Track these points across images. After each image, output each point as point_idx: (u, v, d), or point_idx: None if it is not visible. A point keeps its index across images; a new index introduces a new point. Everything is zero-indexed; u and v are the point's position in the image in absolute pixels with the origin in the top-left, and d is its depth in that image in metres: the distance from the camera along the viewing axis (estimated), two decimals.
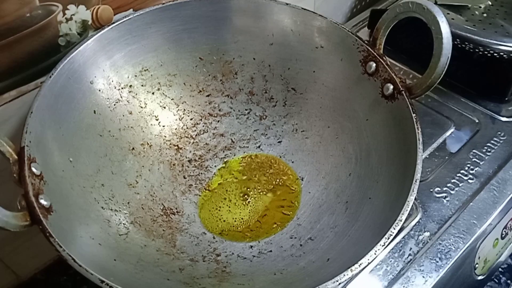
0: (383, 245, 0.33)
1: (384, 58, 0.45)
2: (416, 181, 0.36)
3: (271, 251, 0.43)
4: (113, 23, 0.46)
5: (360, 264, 0.32)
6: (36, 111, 0.39)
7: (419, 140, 0.39)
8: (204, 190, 0.50)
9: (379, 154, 0.44)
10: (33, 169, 0.35)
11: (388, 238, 0.33)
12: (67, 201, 0.38)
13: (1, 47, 0.43)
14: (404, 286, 0.44)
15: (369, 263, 0.32)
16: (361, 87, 0.47)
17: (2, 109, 0.46)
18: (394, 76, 0.43)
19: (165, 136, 0.51)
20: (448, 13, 0.66)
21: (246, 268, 0.41)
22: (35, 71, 0.46)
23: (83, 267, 0.31)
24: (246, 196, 0.49)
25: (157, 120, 0.51)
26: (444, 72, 0.40)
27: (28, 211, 0.33)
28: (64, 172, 0.40)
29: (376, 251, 0.33)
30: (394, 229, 0.34)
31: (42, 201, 0.34)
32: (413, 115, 0.41)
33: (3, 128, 0.45)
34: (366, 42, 0.46)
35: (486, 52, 0.57)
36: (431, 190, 0.52)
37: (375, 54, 0.45)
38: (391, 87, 0.44)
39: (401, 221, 0.34)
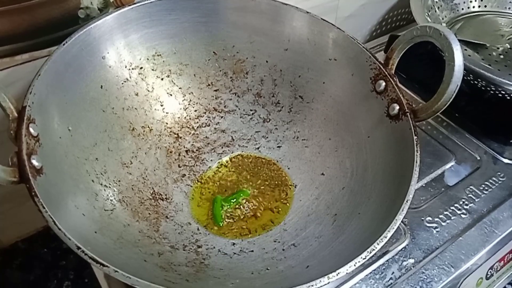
0: (364, 258, 0.32)
1: (394, 78, 0.45)
2: (407, 202, 0.36)
3: (252, 251, 0.43)
4: (135, 3, 0.47)
5: (338, 273, 0.32)
6: (44, 75, 0.39)
7: (416, 162, 0.39)
8: (196, 181, 0.49)
9: (375, 171, 0.44)
10: (31, 129, 0.35)
11: (370, 252, 0.33)
12: (59, 168, 0.38)
13: (22, 9, 0.44)
14: None
15: (346, 273, 0.32)
16: (367, 104, 0.47)
17: (13, 70, 0.46)
18: (402, 97, 0.43)
19: (167, 123, 0.51)
20: (465, 49, 0.66)
21: (225, 264, 0.41)
22: (50, 38, 0.47)
23: (62, 231, 0.30)
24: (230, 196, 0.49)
25: (161, 106, 0.51)
26: (451, 100, 0.40)
27: (18, 168, 0.33)
28: (61, 139, 0.40)
29: (356, 262, 0.32)
30: (378, 244, 0.33)
31: (34, 162, 0.34)
32: (415, 137, 0.40)
33: (10, 89, 0.46)
34: (379, 61, 0.46)
35: (497, 92, 0.57)
36: (422, 218, 0.51)
37: (386, 73, 0.45)
38: (397, 107, 0.44)
39: (386, 237, 0.34)
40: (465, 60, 0.41)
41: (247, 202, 0.48)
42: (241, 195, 0.48)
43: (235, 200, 0.48)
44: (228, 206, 0.47)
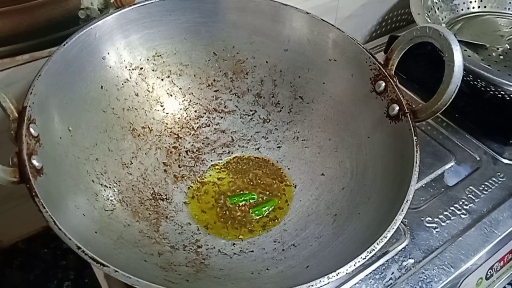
0: (363, 258, 0.33)
1: (394, 79, 0.45)
2: (407, 202, 0.36)
3: (252, 251, 0.43)
4: (135, 4, 0.47)
5: (338, 273, 0.32)
6: (44, 75, 0.39)
7: (416, 162, 0.39)
8: (196, 182, 0.49)
9: (375, 172, 0.44)
10: (31, 130, 0.36)
11: (370, 252, 0.33)
12: (59, 168, 0.38)
13: (22, 9, 0.44)
14: None
15: (346, 273, 0.32)
16: (367, 105, 0.47)
17: (13, 70, 0.46)
18: (401, 98, 0.43)
19: (167, 124, 0.51)
20: (465, 50, 0.67)
21: (225, 264, 0.41)
22: (51, 39, 0.47)
23: (63, 231, 0.30)
24: (238, 195, 0.49)
25: (161, 106, 0.51)
26: (451, 100, 0.40)
27: (19, 168, 0.33)
28: (62, 139, 0.40)
29: (356, 262, 0.32)
30: (378, 244, 0.33)
31: (34, 162, 0.34)
32: (414, 138, 0.41)
33: (10, 89, 0.46)
34: (379, 61, 0.46)
35: (497, 93, 0.57)
36: (422, 218, 0.51)
37: (386, 73, 0.45)
38: (397, 108, 0.44)
39: (385, 237, 0.34)
40: (464, 60, 0.41)
41: (247, 203, 0.48)
42: (248, 197, 0.48)
43: (242, 199, 0.48)
44: (235, 202, 0.47)
